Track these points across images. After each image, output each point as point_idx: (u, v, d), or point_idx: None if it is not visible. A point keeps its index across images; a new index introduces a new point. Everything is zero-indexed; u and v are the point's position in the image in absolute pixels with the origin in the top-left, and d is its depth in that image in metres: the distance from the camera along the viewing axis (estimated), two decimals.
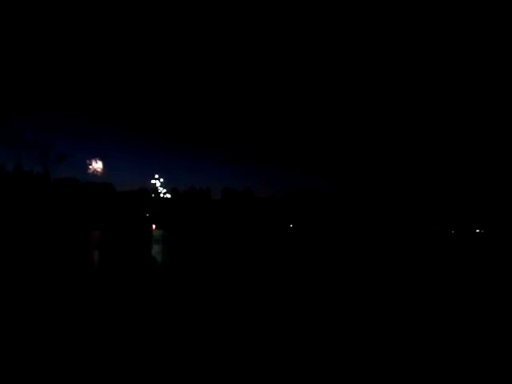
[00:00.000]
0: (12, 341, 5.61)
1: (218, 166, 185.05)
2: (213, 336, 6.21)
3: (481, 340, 6.57)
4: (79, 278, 11.17)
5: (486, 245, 49.49)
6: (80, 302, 8.22)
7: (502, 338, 6.75)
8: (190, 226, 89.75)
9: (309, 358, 5.41)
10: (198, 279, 12.00)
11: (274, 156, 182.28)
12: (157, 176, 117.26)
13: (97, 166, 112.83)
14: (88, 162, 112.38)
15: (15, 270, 12.36)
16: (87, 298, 8.56)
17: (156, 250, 23.54)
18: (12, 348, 5.34)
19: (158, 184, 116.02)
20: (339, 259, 21.15)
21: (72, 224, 65.73)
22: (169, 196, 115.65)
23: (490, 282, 14.04)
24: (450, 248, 38.40)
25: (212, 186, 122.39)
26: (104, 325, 6.59)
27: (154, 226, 71.65)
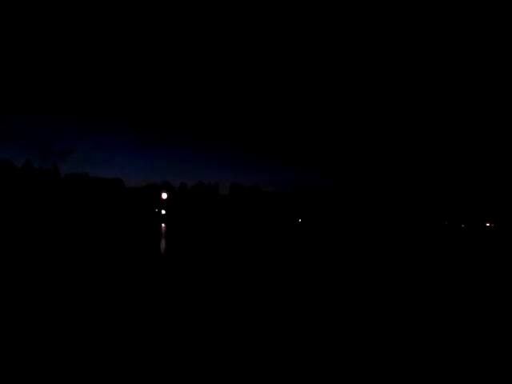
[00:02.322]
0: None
1: (227, 162, 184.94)
2: (213, 334, 6.39)
3: (485, 336, 6.70)
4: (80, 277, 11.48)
5: (495, 238, 49.02)
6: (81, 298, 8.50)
7: (505, 334, 6.87)
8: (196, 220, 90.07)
9: (309, 356, 5.57)
10: (201, 275, 12.21)
11: (281, 152, 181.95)
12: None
13: None
14: None
15: (22, 265, 12.70)
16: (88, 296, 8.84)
17: (162, 244, 23.85)
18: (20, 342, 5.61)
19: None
20: (347, 255, 21.24)
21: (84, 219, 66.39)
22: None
23: (498, 276, 14.06)
24: (460, 242, 38.17)
25: (220, 182, 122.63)
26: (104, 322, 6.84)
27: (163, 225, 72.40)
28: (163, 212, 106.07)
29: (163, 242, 25.95)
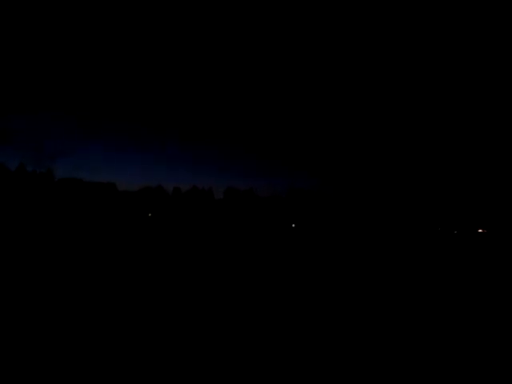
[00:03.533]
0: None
1: (221, 166, 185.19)
2: (212, 335, 6.32)
3: (480, 340, 6.67)
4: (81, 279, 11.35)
5: (488, 245, 49.42)
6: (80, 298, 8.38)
7: (501, 338, 6.85)
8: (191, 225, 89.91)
9: (309, 358, 5.51)
10: (198, 278, 12.13)
11: (276, 156, 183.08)
12: None
13: None
14: None
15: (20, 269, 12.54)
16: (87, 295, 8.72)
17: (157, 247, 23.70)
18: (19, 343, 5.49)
19: None
20: (341, 259, 21.24)
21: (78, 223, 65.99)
22: None
23: (491, 282, 14.12)
24: (453, 248, 38.42)
25: (214, 186, 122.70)
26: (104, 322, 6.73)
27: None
28: (156, 216, 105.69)
29: (156, 246, 25.80)
